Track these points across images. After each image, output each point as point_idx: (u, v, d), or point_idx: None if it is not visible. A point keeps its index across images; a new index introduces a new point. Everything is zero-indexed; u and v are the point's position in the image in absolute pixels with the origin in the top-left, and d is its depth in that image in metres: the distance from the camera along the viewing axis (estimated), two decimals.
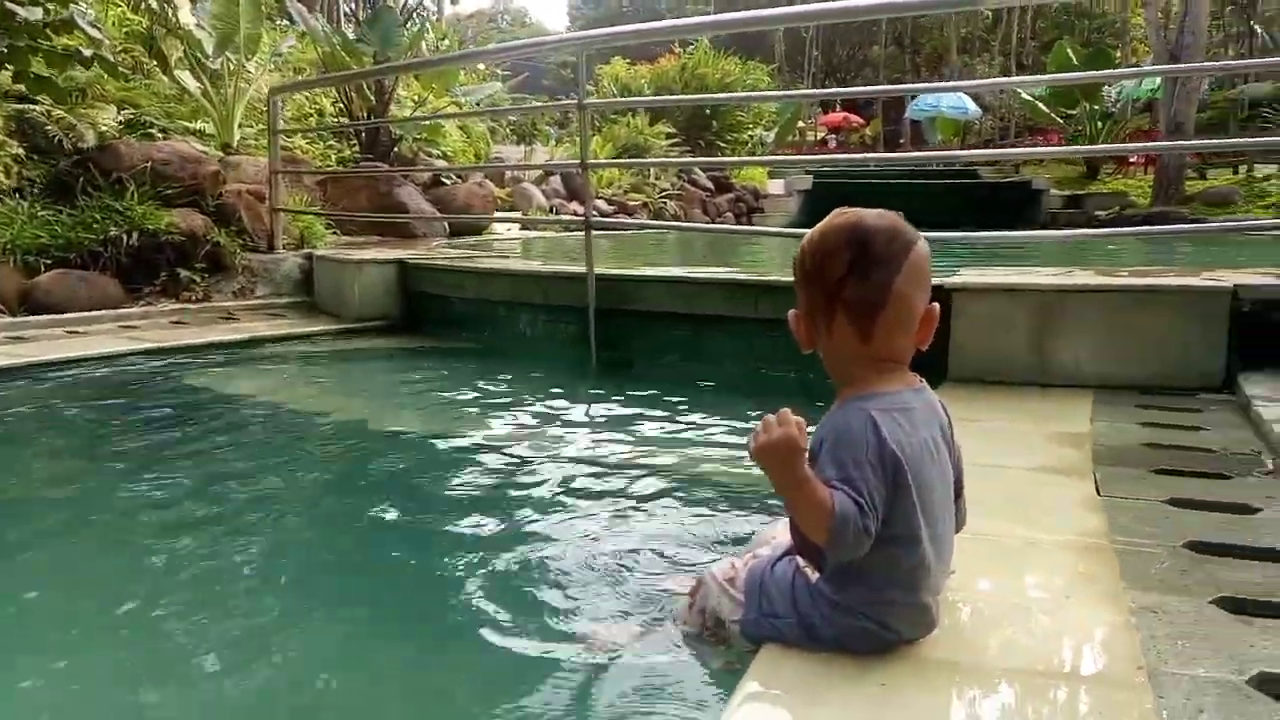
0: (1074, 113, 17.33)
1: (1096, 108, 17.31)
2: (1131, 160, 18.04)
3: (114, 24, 7.79)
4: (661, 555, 1.98)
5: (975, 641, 1.32)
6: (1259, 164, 16.06)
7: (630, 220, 10.94)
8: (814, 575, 1.31)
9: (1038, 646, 1.31)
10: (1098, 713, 1.14)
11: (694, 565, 1.90)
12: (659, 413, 3.38)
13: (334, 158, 9.07)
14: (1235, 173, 16.50)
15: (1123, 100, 18.69)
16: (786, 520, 1.62)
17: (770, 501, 2.29)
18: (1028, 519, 1.83)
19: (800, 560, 1.34)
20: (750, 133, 18.44)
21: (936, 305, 1.33)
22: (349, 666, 1.62)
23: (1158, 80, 16.33)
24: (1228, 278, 3.21)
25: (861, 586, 1.27)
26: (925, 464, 1.28)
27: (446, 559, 2.05)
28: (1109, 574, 1.56)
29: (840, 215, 1.33)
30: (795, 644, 1.31)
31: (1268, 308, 3.05)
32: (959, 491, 1.40)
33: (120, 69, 7.22)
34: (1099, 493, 1.99)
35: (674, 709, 1.40)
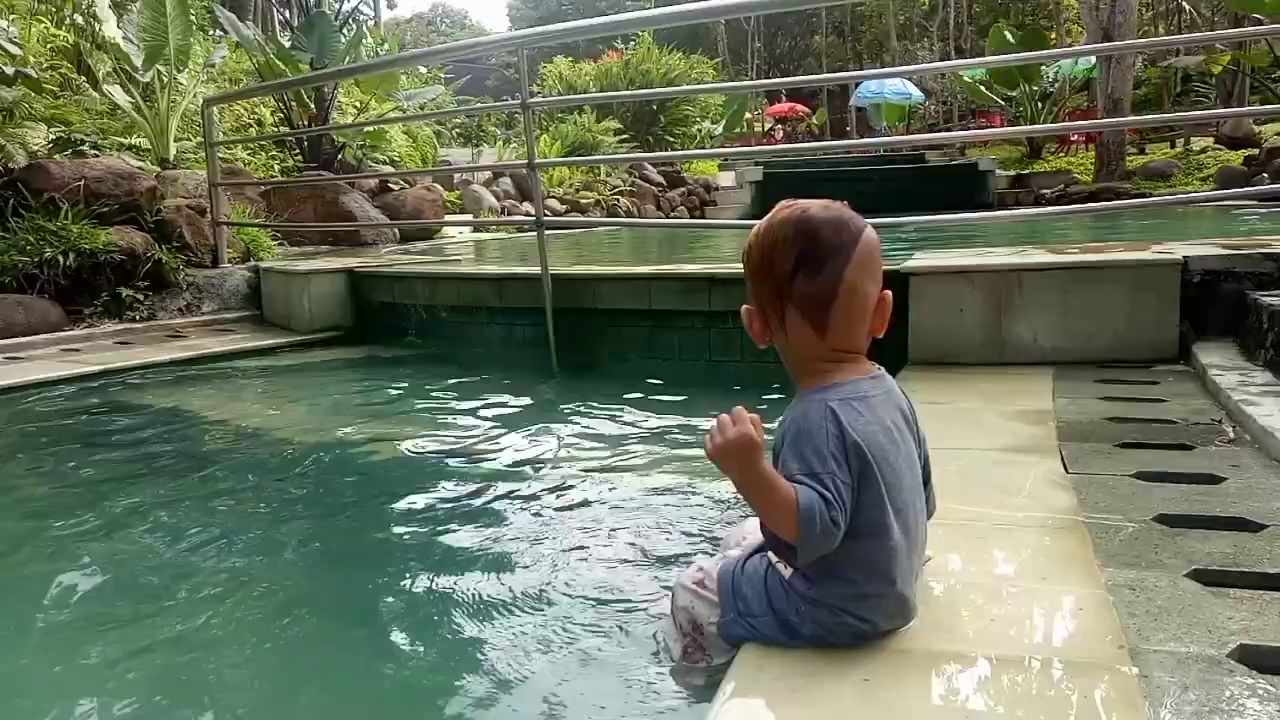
0: (1014, 94, 17.58)
1: (1036, 88, 17.58)
2: (1073, 138, 18.37)
3: (38, 40, 7.56)
4: (635, 560, 1.95)
5: (955, 629, 1.30)
6: (1194, 137, 16.44)
7: (582, 219, 10.88)
8: (787, 571, 1.28)
9: (1018, 630, 1.29)
10: (1083, 695, 1.12)
11: (670, 568, 1.87)
12: (624, 413, 3.34)
13: (276, 168, 8.89)
14: (1172, 146, 16.87)
15: (1060, 80, 19.02)
16: (756, 520, 1.60)
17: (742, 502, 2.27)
18: (997, 500, 1.82)
19: (772, 556, 1.31)
20: (698, 126, 18.48)
21: (889, 293, 1.31)
22: (303, 680, 1.56)
23: (1093, 60, 16.64)
24: (1176, 249, 3.26)
25: (836, 580, 1.24)
26: (889, 452, 1.25)
27: (404, 574, 1.99)
28: (1083, 551, 1.55)
29: (785, 208, 1.30)
30: (774, 642, 1.28)
31: (1216, 278, 3.09)
32: (927, 478, 1.39)
33: (47, 86, 7.02)
34: (1066, 470, 1.99)
35: (655, 714, 1.37)
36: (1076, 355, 3.14)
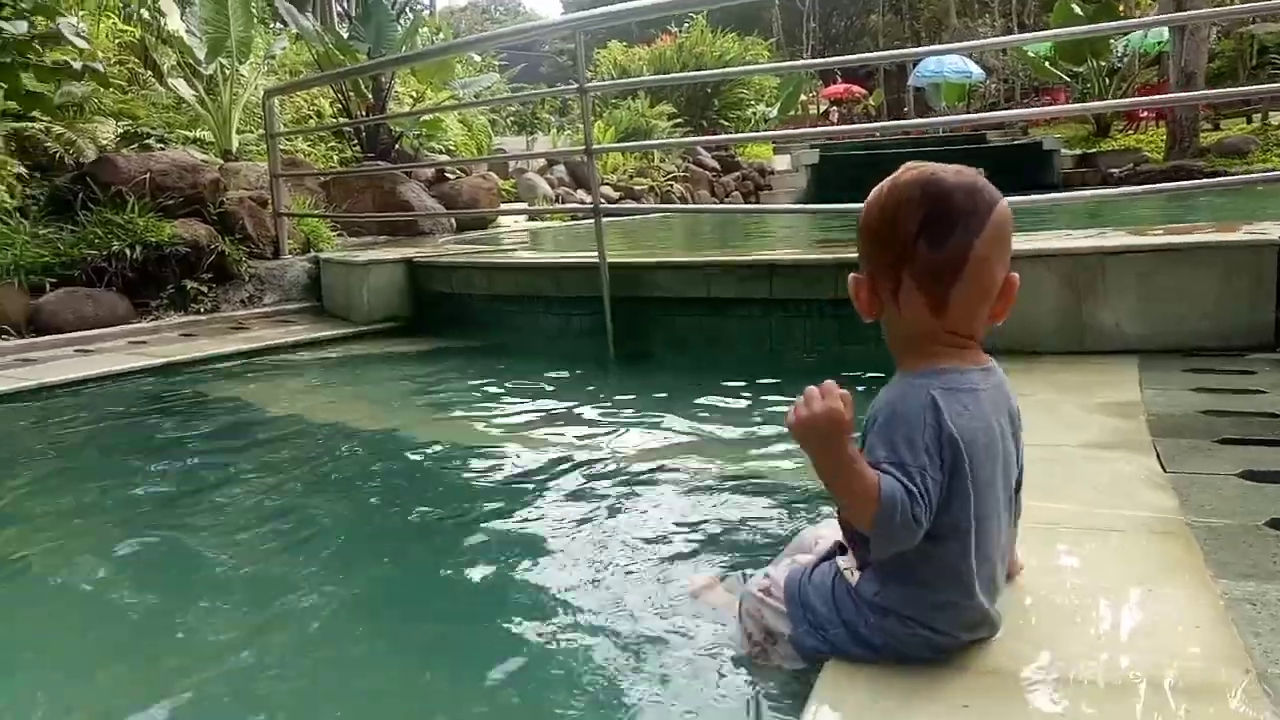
0: (1081, 70, 17.01)
1: (1104, 63, 16.99)
2: (1143, 114, 17.72)
3: (106, 35, 7.70)
4: (699, 553, 1.88)
5: (1055, 646, 1.21)
6: (1273, 111, 15.74)
7: (639, 205, 10.80)
8: (854, 577, 1.20)
9: (1128, 651, 1.19)
10: None
11: (734, 567, 1.80)
12: (684, 404, 3.27)
13: (335, 159, 8.97)
14: (1249, 122, 16.19)
15: (1130, 54, 18.34)
16: (832, 523, 1.51)
17: (814, 496, 2.19)
18: (1090, 500, 1.71)
19: (841, 562, 1.23)
20: (752, 109, 18.23)
21: (1016, 276, 1.19)
22: (374, 672, 1.53)
23: (1165, 33, 16.01)
24: (1271, 230, 3.07)
25: (904, 586, 1.16)
26: (986, 454, 1.15)
27: (464, 565, 1.95)
28: (1191, 560, 1.44)
29: (912, 168, 1.18)
30: (854, 656, 1.20)
31: None
32: (1018, 485, 1.28)
33: (115, 80, 7.15)
34: (1164, 468, 1.87)
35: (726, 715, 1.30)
36: (1162, 343, 2.98)
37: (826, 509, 2.10)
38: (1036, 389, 2.66)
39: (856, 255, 1.24)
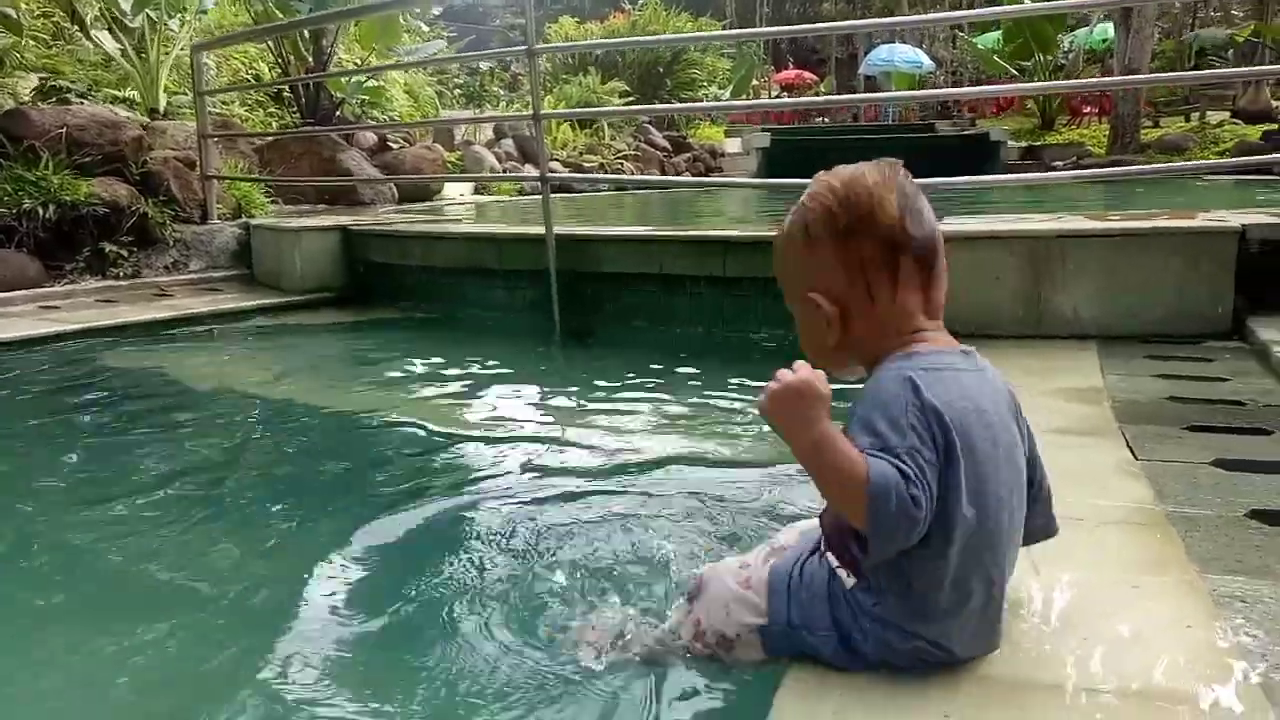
0: (1028, 64, 17.19)
1: (1050, 58, 17.19)
2: (1086, 110, 18.00)
3: None
4: (643, 547, 1.73)
5: (1041, 651, 1.09)
6: (1210, 111, 16.10)
7: (589, 175, 10.58)
8: (849, 581, 1.07)
9: (1121, 657, 1.07)
10: None
11: (689, 557, 1.66)
12: (631, 384, 3.12)
13: (274, 126, 8.60)
14: (1188, 120, 16.52)
15: (1076, 51, 18.60)
16: (803, 523, 1.38)
17: (756, 480, 2.06)
18: (1064, 490, 1.58)
19: (832, 560, 1.09)
20: (704, 91, 18.07)
21: None
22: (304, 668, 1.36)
23: (1110, 31, 16.24)
24: (1231, 218, 3.03)
25: (904, 598, 1.02)
26: (979, 436, 1.02)
27: (397, 552, 1.78)
28: (1174, 554, 1.34)
29: (837, 170, 1.10)
30: (830, 662, 1.07)
31: (1277, 248, 2.86)
32: (1035, 487, 1.15)
33: (38, 34, 6.73)
34: (1134, 455, 1.78)
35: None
36: (1120, 329, 2.92)
37: (775, 495, 1.98)
38: (1000, 372, 2.56)
39: (793, 275, 1.12)
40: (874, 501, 0.93)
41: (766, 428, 2.17)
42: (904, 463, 0.94)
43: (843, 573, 1.07)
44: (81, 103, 6.07)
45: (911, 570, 1.01)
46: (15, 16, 5.32)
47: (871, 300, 1.06)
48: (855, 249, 1.06)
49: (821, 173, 1.12)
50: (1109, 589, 1.24)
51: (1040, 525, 1.16)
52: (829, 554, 1.10)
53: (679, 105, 15.17)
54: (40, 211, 4.82)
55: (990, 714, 0.98)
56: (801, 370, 0.99)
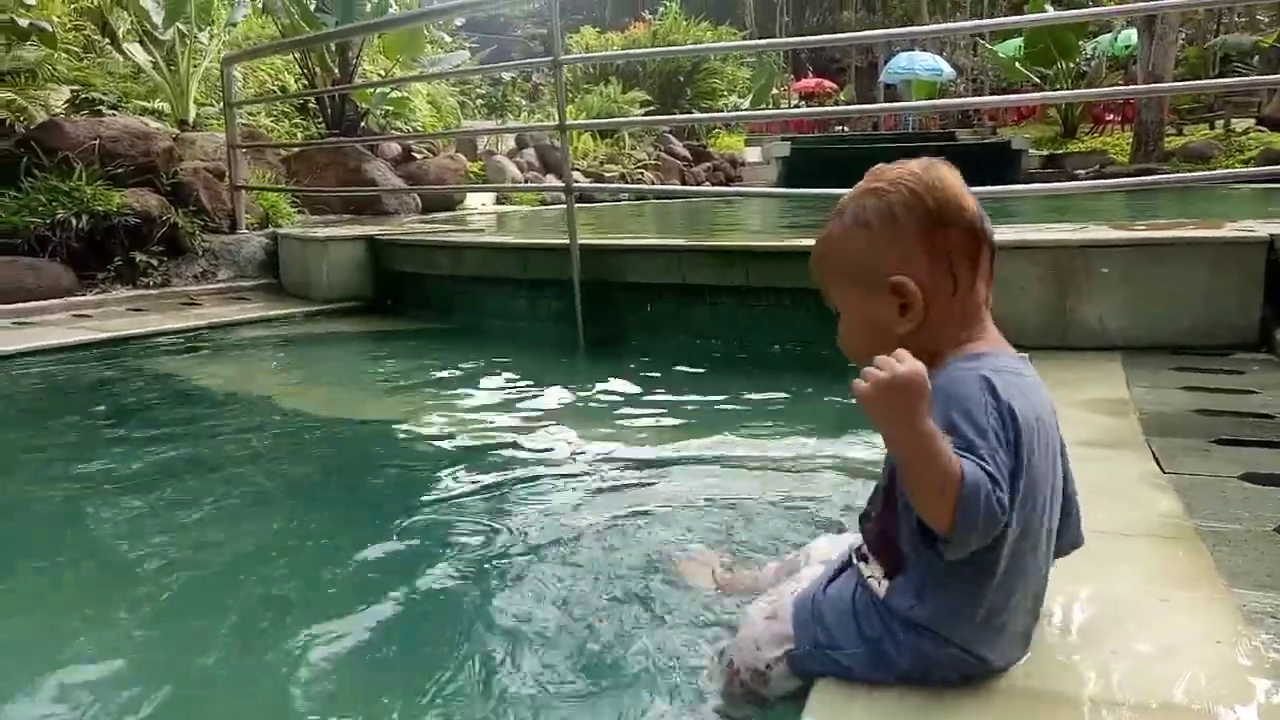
0: (1049, 72, 17.11)
1: (1072, 65, 17.10)
2: (1109, 118, 17.88)
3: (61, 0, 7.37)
4: (665, 552, 1.76)
5: (1072, 664, 1.10)
6: (1235, 119, 15.95)
7: (613, 184, 10.63)
8: (882, 588, 1.07)
9: (1147, 669, 1.08)
10: None
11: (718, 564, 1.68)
12: (654, 392, 3.15)
13: (300, 136, 8.71)
14: (1212, 128, 16.38)
15: (1098, 58, 18.50)
16: (831, 538, 1.39)
17: (778, 493, 2.07)
18: (1092, 503, 1.58)
19: (864, 570, 1.10)
20: (724, 101, 18.11)
21: None
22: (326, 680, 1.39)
23: (1134, 38, 16.14)
24: (1258, 227, 3.01)
25: (946, 596, 1.01)
26: (1040, 443, 1.02)
27: (409, 558, 1.81)
28: (1203, 569, 1.35)
29: (901, 163, 1.10)
30: (859, 678, 1.08)
31: None
32: (1070, 502, 1.15)
33: (70, 46, 6.86)
34: (1162, 469, 1.78)
35: None
36: (1146, 340, 2.91)
37: (800, 496, 2.00)
38: None
39: (864, 264, 1.09)
40: (964, 502, 0.91)
41: (790, 434, 2.20)
42: (988, 464, 0.93)
43: (874, 581, 1.08)
44: (113, 114, 6.17)
45: (960, 573, 1.00)
46: (50, 30, 5.42)
47: (955, 288, 1.06)
48: (943, 236, 1.05)
49: (880, 166, 1.11)
50: (1137, 602, 1.25)
51: (1069, 540, 1.17)
52: (862, 563, 1.11)
53: (700, 115, 15.22)
54: (74, 222, 4.91)
55: None
56: (909, 360, 0.94)
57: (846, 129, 23.02)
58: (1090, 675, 1.07)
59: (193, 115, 7.12)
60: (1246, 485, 1.68)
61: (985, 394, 0.98)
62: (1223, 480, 1.71)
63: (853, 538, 1.22)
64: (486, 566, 1.76)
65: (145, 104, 7.08)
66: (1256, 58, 17.57)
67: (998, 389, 0.98)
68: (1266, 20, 20.26)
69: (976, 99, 16.90)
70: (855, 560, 1.13)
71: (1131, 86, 13.59)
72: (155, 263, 5.19)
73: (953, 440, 0.94)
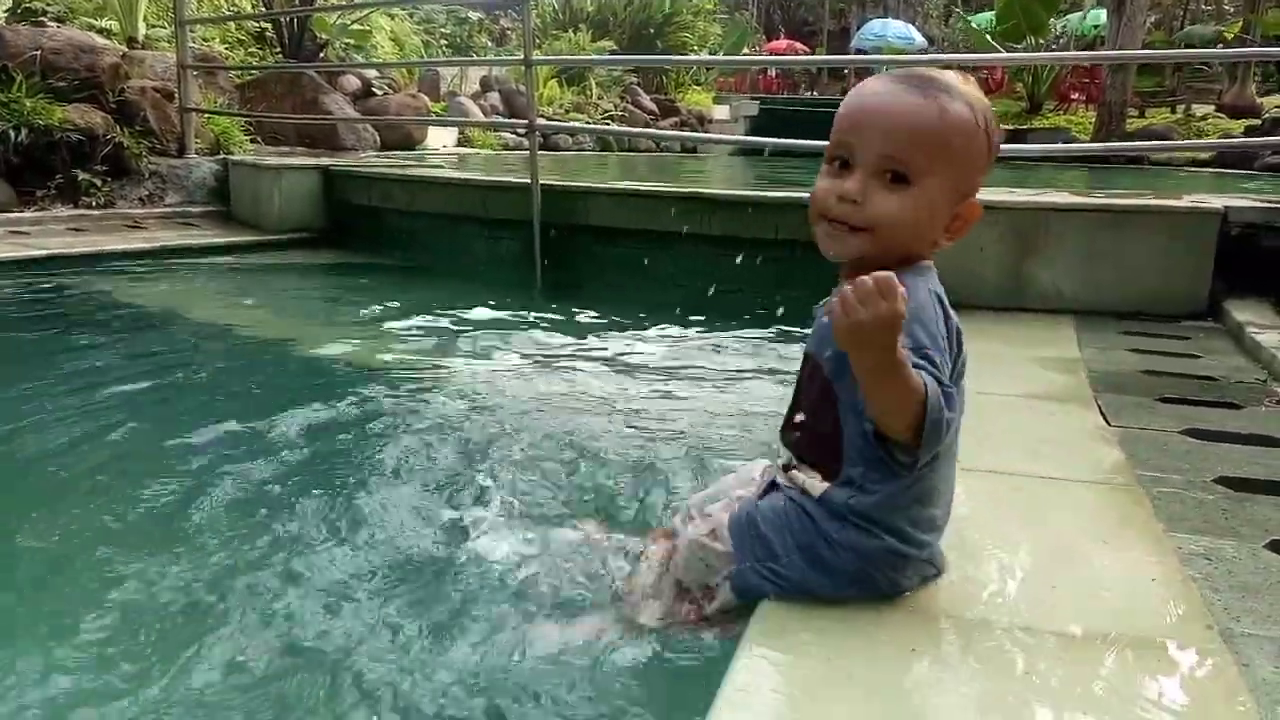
0: (1019, 46, 17.16)
1: (1042, 41, 17.17)
2: (1073, 97, 18.04)
3: None
4: (622, 501, 1.73)
5: (1015, 597, 1.10)
6: (1196, 104, 16.20)
7: (577, 125, 10.46)
8: (819, 486, 1.08)
9: (1087, 603, 1.09)
10: (1184, 688, 0.93)
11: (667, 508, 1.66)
12: (613, 340, 3.11)
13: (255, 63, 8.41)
14: (1173, 112, 16.62)
15: (1067, 36, 18.60)
16: (756, 464, 1.37)
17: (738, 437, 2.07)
18: (1038, 452, 1.62)
19: (797, 477, 1.11)
20: (695, 54, 17.89)
21: None
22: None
23: (1102, 17, 16.24)
24: (1214, 200, 3.05)
25: (887, 486, 1.05)
26: (963, 354, 1.10)
27: (339, 491, 1.75)
28: (1143, 514, 1.36)
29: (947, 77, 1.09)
30: (799, 589, 1.08)
31: (1256, 231, 2.89)
32: None
33: None
34: (1108, 422, 1.80)
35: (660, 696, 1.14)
36: (1098, 305, 2.94)
37: (745, 435, 1.98)
38: (976, 340, 2.57)
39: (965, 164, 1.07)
40: (928, 420, 0.96)
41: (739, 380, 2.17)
42: (941, 374, 0.99)
43: (813, 481, 1.08)
44: (57, 26, 5.90)
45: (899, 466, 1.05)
46: None
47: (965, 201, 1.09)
48: (981, 157, 1.09)
49: (944, 76, 1.08)
50: (1077, 543, 1.26)
51: None
52: (792, 473, 1.12)
53: (672, 57, 15.05)
54: (12, 135, 4.69)
55: (954, 648, 0.99)
56: (890, 295, 0.91)
57: (816, 93, 22.95)
58: (1022, 606, 1.08)
59: (142, 34, 6.84)
60: (1188, 440, 1.70)
61: (938, 307, 1.05)
62: (1166, 435, 1.73)
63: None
64: (397, 503, 1.71)
65: (92, 21, 6.78)
66: (1219, 47, 17.80)
67: (946, 305, 1.06)
68: (1232, 10, 20.53)
69: (944, 55, 16.83)
70: (783, 472, 1.13)
71: (1098, 52, 13.74)
72: (99, 183, 4.99)
73: (908, 343, 0.97)
